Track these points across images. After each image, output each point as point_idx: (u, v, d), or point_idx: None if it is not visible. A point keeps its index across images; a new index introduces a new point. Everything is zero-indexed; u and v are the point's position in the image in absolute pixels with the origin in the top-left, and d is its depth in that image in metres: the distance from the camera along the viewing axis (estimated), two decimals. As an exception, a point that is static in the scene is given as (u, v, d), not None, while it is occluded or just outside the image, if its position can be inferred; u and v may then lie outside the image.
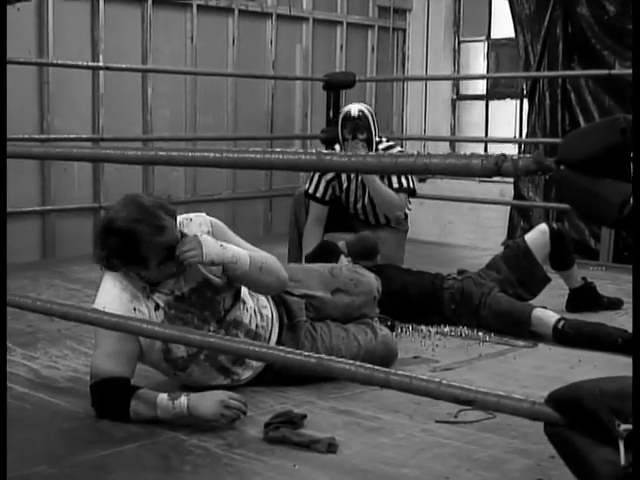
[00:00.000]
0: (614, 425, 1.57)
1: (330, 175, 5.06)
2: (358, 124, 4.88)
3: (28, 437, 2.69)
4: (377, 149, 4.98)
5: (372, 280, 3.69)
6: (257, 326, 3.17)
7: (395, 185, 4.93)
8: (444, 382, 1.90)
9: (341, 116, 5.00)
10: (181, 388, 3.01)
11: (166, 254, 2.86)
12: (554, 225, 4.51)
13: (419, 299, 4.28)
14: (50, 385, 3.23)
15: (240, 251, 3.02)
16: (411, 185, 5.00)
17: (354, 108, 4.94)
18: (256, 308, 3.19)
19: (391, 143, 5.15)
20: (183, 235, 2.93)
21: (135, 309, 2.90)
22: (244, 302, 3.14)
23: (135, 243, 2.80)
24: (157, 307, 2.95)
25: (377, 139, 4.98)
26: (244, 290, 3.14)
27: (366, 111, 4.93)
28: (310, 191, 5.11)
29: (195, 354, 2.98)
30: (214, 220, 3.14)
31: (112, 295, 2.91)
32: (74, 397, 3.05)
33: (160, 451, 2.58)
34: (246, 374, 3.15)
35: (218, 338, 2.61)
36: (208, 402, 2.73)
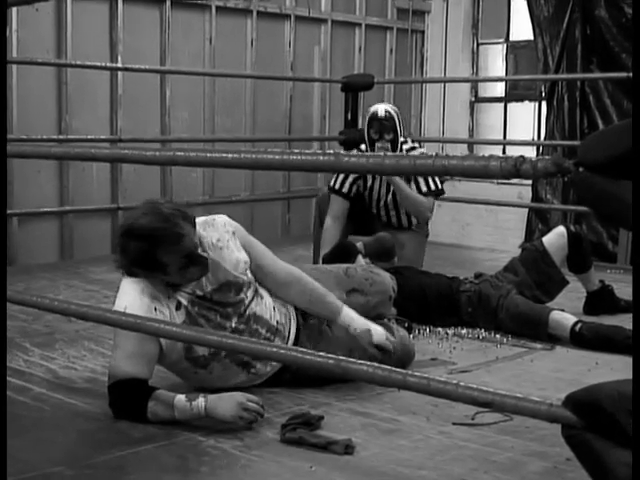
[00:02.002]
0: (632, 428, 1.57)
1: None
2: (385, 125, 4.89)
3: (46, 438, 2.70)
4: (401, 149, 4.99)
5: (387, 279, 3.69)
6: (277, 322, 3.19)
7: (424, 189, 4.96)
8: (462, 384, 1.90)
9: (368, 116, 5.01)
10: (197, 390, 3.01)
11: (186, 261, 2.88)
12: (572, 228, 4.50)
13: (437, 302, 4.28)
14: (68, 386, 3.24)
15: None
16: (439, 186, 5.03)
17: (381, 108, 4.95)
18: (274, 305, 3.21)
19: (415, 145, 5.18)
20: (201, 242, 2.96)
21: (156, 309, 2.91)
22: (262, 297, 3.17)
23: (154, 252, 2.84)
24: (179, 306, 2.96)
25: (402, 139, 4.99)
26: (260, 286, 3.18)
27: (392, 111, 4.94)
28: (336, 186, 5.12)
29: (217, 352, 2.99)
30: (235, 223, 3.18)
31: (132, 296, 2.91)
32: (92, 398, 3.06)
33: (177, 452, 2.59)
34: (265, 369, 3.16)
35: (237, 339, 2.61)
36: (226, 404, 2.73)
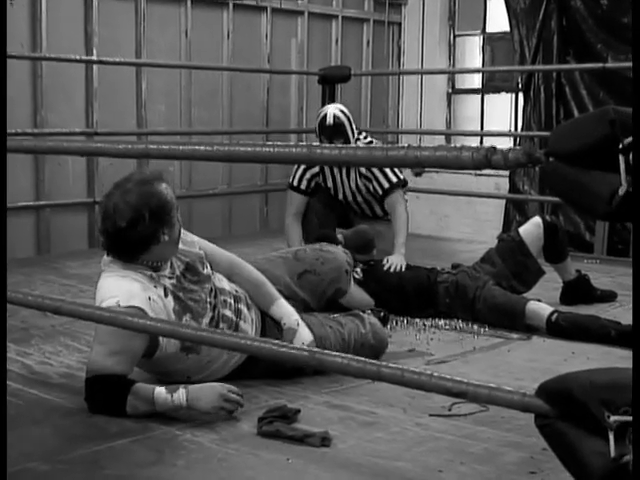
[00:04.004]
0: (604, 417, 1.57)
1: (315, 170, 5.15)
2: (334, 130, 4.92)
3: (21, 433, 2.68)
4: None
5: (340, 255, 3.69)
6: (237, 291, 3.23)
7: (386, 185, 4.97)
8: (435, 374, 1.90)
9: (317, 121, 5.05)
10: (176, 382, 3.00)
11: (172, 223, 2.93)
12: (548, 218, 4.51)
13: (415, 294, 4.29)
14: (44, 381, 3.22)
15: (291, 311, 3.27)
16: (400, 177, 5.06)
17: (329, 114, 4.98)
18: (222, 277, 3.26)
19: (369, 139, 5.21)
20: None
21: (150, 298, 2.88)
22: (215, 272, 3.22)
23: (164, 200, 2.88)
24: (166, 293, 2.96)
25: (356, 137, 5.05)
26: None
27: (342, 116, 4.97)
28: (294, 183, 5.23)
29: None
30: None
31: (124, 290, 2.87)
32: (68, 393, 3.04)
33: (154, 446, 2.58)
34: (247, 326, 3.19)
35: (211, 332, 2.62)
36: (207, 395, 2.73)
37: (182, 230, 3.07)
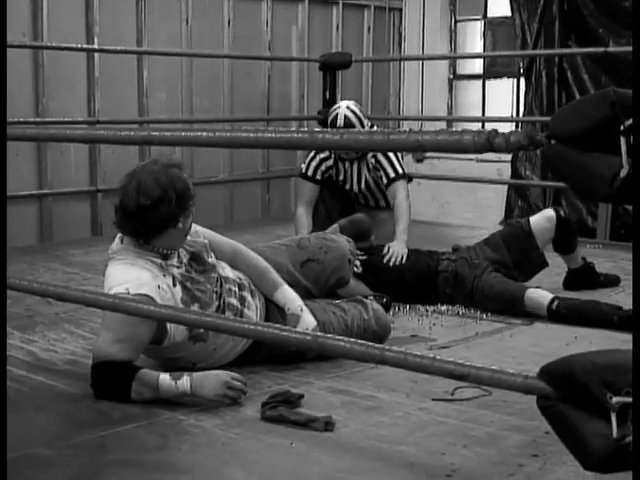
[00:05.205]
0: (606, 398, 1.58)
1: (330, 162, 5.18)
2: None
3: (27, 419, 2.70)
4: None
5: (343, 244, 3.70)
6: (240, 278, 3.24)
7: (392, 174, 5.00)
8: (438, 357, 1.91)
9: (329, 119, 5.09)
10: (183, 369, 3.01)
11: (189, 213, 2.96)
12: (562, 212, 4.46)
13: (416, 284, 4.30)
14: (48, 368, 3.24)
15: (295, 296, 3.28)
16: (404, 170, 5.08)
17: (340, 115, 5.00)
18: (228, 266, 3.27)
19: (375, 129, 5.23)
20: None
21: (159, 287, 2.89)
22: (219, 260, 3.23)
23: (188, 187, 2.94)
24: (174, 282, 2.97)
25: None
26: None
27: (352, 117, 4.99)
28: (309, 173, 5.25)
29: None
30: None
31: (133, 277, 2.88)
32: (72, 379, 3.06)
33: (158, 431, 2.59)
34: (251, 313, 3.19)
35: (216, 318, 2.63)
36: (211, 383, 2.75)
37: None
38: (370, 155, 5.05)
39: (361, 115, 5.03)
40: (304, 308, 3.23)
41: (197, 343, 3.02)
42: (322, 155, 5.19)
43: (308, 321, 3.21)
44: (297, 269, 3.53)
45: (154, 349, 2.99)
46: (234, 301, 3.13)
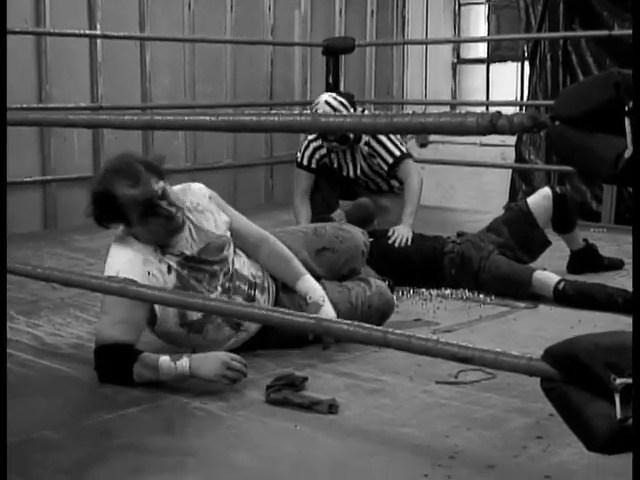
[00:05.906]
0: (609, 379, 1.58)
1: (324, 151, 5.15)
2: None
3: (32, 403, 2.71)
4: None
5: (358, 235, 3.69)
6: (254, 276, 3.23)
7: (390, 160, 4.96)
8: (442, 340, 1.91)
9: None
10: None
11: (144, 209, 2.88)
12: (557, 189, 4.49)
13: (421, 265, 4.30)
14: (54, 352, 3.25)
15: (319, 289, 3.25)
16: (404, 150, 5.04)
17: (321, 105, 4.89)
18: (247, 261, 3.25)
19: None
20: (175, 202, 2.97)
21: (149, 273, 2.91)
22: (239, 254, 3.23)
23: (111, 196, 2.86)
24: (169, 270, 2.98)
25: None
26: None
27: (336, 104, 4.88)
28: (304, 162, 5.22)
29: (209, 314, 3.01)
30: (208, 189, 3.25)
31: (124, 260, 2.92)
32: (78, 363, 3.07)
33: (163, 414, 2.61)
34: (252, 325, 3.17)
35: (219, 302, 2.63)
36: (210, 363, 2.75)
37: (210, 209, 3.14)
38: (363, 143, 4.99)
39: (345, 102, 4.94)
40: (326, 299, 3.23)
41: (192, 334, 3.04)
42: (315, 144, 5.14)
43: (328, 311, 3.19)
44: (312, 256, 3.51)
45: (156, 333, 3.03)
46: (240, 299, 3.13)
